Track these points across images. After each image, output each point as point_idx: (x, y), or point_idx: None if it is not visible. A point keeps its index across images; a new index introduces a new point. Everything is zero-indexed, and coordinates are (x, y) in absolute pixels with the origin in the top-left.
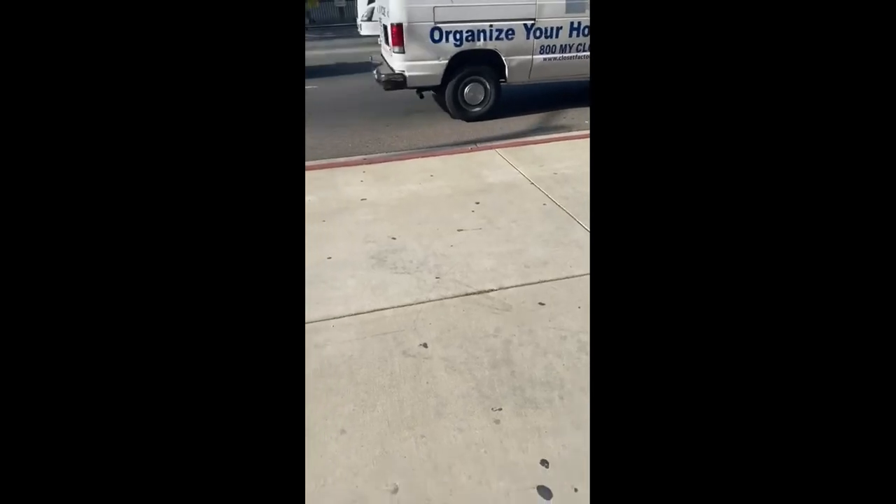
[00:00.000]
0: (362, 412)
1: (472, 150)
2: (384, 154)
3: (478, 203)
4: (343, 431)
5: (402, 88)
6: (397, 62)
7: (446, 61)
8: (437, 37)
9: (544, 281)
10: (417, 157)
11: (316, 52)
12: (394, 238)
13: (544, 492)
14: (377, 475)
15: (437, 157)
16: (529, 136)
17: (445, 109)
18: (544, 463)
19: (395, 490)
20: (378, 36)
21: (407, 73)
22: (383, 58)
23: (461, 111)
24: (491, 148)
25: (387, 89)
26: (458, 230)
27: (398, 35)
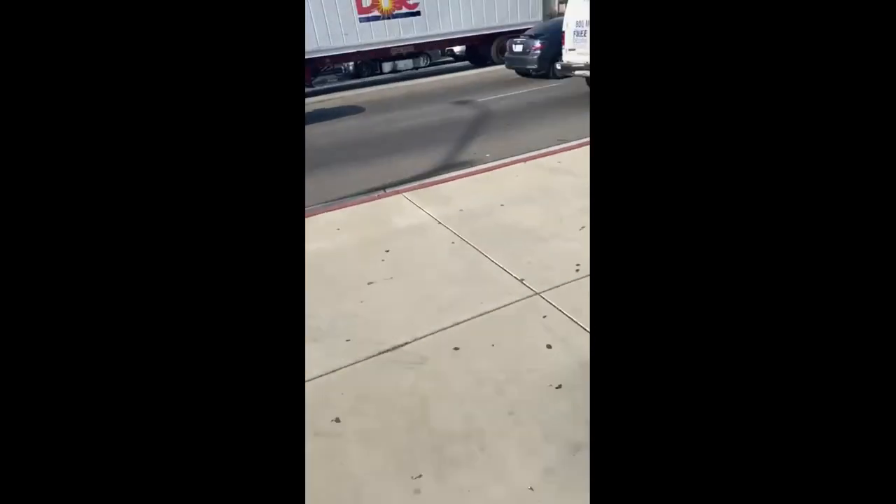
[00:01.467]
0: None
1: (379, 198)
2: None
3: (388, 251)
4: None
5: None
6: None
7: None
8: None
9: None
10: (321, 213)
11: None
12: None
13: None
14: None
15: (342, 210)
16: (434, 175)
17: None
18: None
19: None
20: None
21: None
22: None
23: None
24: (397, 193)
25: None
26: (369, 283)
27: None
